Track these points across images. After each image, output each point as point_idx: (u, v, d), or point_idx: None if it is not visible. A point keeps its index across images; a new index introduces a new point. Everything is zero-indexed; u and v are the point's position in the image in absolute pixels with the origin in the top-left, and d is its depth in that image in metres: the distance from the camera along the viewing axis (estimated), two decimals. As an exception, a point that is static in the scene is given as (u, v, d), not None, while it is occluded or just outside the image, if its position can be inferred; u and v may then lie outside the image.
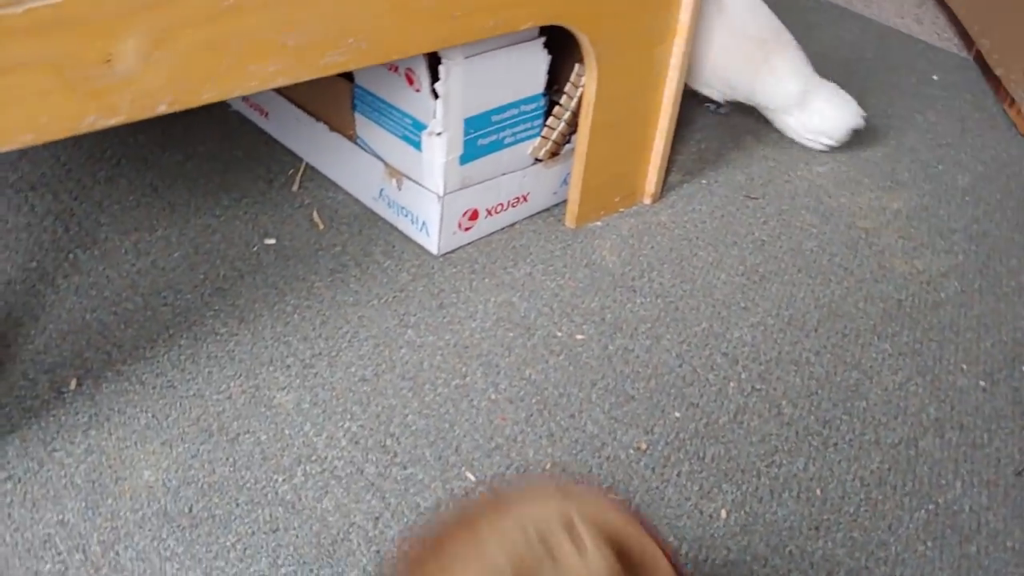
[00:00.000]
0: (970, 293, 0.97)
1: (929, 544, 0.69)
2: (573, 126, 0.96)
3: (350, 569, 0.63)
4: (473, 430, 0.74)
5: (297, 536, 0.64)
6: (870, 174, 1.17)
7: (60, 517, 0.64)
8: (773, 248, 1.01)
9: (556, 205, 1.03)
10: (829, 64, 1.38)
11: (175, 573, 0.61)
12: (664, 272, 0.95)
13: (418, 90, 0.85)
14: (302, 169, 1.05)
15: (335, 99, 0.95)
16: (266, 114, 1.08)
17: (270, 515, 0.65)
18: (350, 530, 0.65)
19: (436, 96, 0.83)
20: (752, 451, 0.75)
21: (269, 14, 0.63)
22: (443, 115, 0.84)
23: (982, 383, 0.85)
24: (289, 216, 0.97)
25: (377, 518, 0.66)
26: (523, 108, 0.92)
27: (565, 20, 0.83)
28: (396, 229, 0.96)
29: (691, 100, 1.31)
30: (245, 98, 1.11)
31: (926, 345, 0.89)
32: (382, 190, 0.96)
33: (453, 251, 0.94)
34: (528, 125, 0.94)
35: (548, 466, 0.72)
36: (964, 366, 0.87)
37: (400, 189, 0.93)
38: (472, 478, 0.70)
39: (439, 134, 0.85)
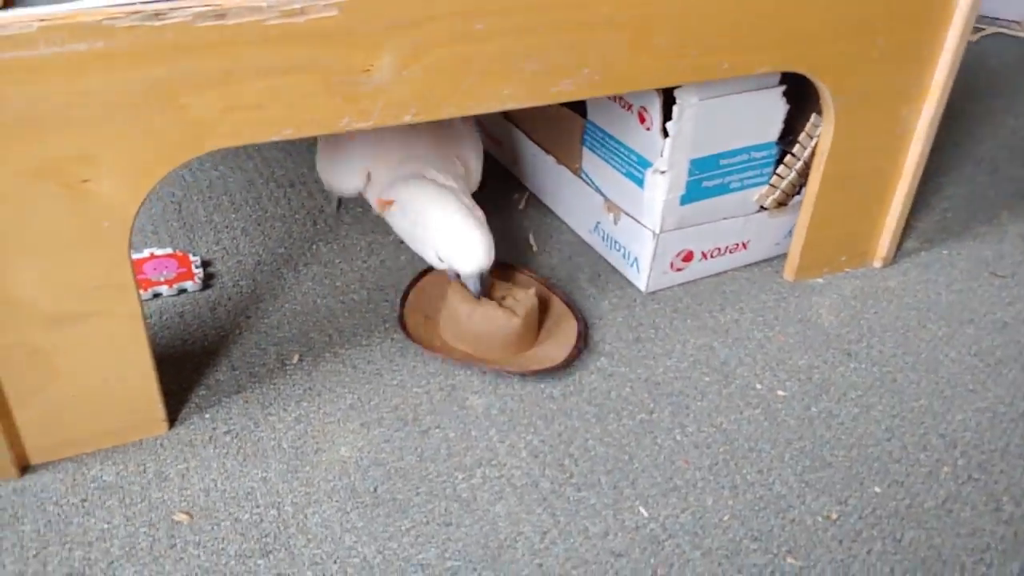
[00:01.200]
0: None
1: None
2: (804, 177, 0.93)
3: (509, 575, 0.64)
4: (653, 467, 0.73)
5: (467, 534, 0.66)
6: None
7: (264, 474, 0.70)
8: (1016, 332, 0.91)
9: (776, 257, 1.00)
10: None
11: (352, 544, 0.65)
12: (885, 340, 0.89)
13: (649, 128, 0.86)
14: (526, 197, 1.09)
15: (566, 133, 0.99)
16: (500, 143, 1.14)
17: (445, 509, 0.68)
18: (517, 539, 0.66)
19: (666, 135, 0.84)
20: (958, 543, 0.68)
21: (514, 40, 0.67)
22: (670, 154, 0.84)
23: None
24: (507, 236, 1.01)
25: (545, 533, 0.67)
26: (753, 155, 0.90)
27: (806, 68, 0.81)
28: (606, 262, 0.98)
29: (939, 161, 1.23)
30: (482, 126, 1.18)
31: None
32: (598, 223, 0.97)
33: (662, 290, 0.94)
34: (757, 172, 0.92)
35: (726, 518, 0.69)
36: None
37: (616, 224, 0.94)
38: (645, 514, 0.69)
39: (663, 172, 0.86)
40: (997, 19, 1.70)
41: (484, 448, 0.74)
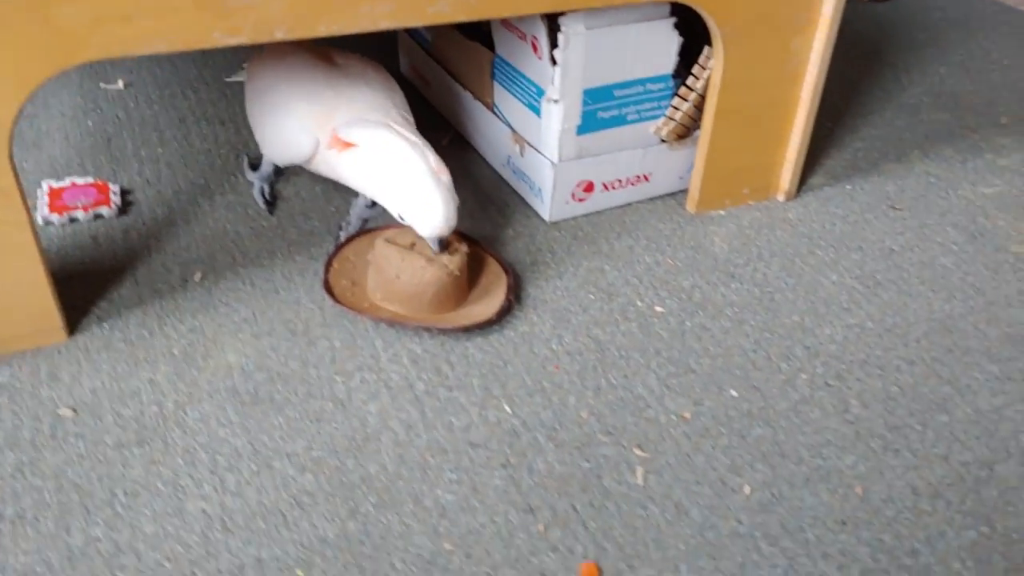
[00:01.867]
0: (1125, 334, 0.86)
1: (968, 564, 0.63)
2: (702, 110, 0.97)
3: (370, 463, 0.68)
4: (524, 372, 0.77)
5: (336, 429, 0.71)
6: (1047, 201, 1.06)
7: (152, 377, 0.75)
8: (900, 258, 0.95)
9: (681, 191, 1.03)
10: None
11: (224, 437, 0.69)
12: (772, 264, 0.93)
13: (540, 58, 0.89)
14: (451, 135, 1.13)
15: (478, 68, 1.02)
16: (428, 83, 1.18)
17: (320, 407, 0.73)
18: (383, 432, 0.71)
19: (554, 63, 0.87)
20: (801, 440, 0.72)
21: (379, -40, 0.70)
22: (561, 83, 0.88)
23: (1104, 425, 0.76)
24: (423, 170, 1.04)
25: (411, 427, 0.71)
26: (649, 87, 0.94)
27: (687, -2, 0.85)
28: (517, 195, 1.01)
29: (860, 105, 1.26)
30: (413, 67, 1.21)
31: (1048, 376, 0.81)
32: (509, 157, 1.01)
33: (565, 220, 0.97)
34: (654, 104, 0.95)
35: (584, 415, 0.74)
36: (1088, 404, 0.78)
37: (523, 156, 0.98)
38: (509, 411, 0.73)
39: (556, 101, 0.89)
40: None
41: (367, 356, 0.78)
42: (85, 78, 1.21)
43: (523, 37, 0.91)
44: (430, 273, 0.79)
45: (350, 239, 0.89)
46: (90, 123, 1.11)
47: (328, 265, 0.86)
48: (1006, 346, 0.84)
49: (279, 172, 1.00)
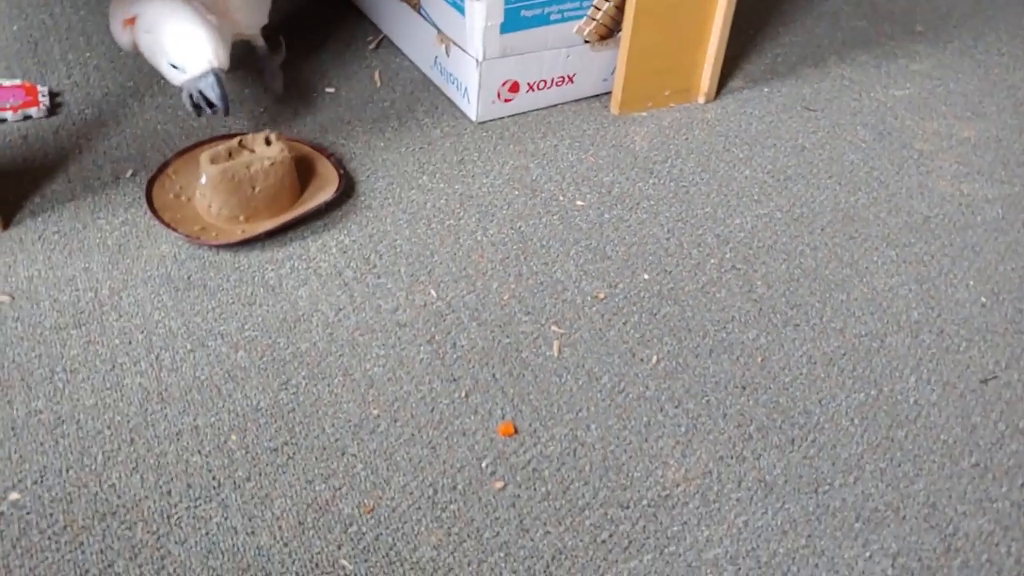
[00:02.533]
0: (1011, 220, 0.93)
1: (856, 421, 0.70)
2: (623, 12, 0.99)
3: (301, 341, 0.72)
4: (450, 260, 0.81)
5: (268, 311, 0.74)
6: (952, 103, 1.12)
7: (87, 265, 0.77)
8: (811, 155, 1.00)
9: (605, 94, 1.06)
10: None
11: (160, 319, 0.72)
12: (688, 161, 0.97)
13: (461, -47, 0.91)
14: (379, 39, 1.14)
15: (404, -33, 1.03)
16: None
17: (251, 292, 0.76)
18: (313, 314, 0.74)
19: (474, -41, 0.89)
20: (707, 316, 0.78)
21: None
22: (481, -23, 0.90)
23: (983, 299, 0.83)
24: (354, 73, 1.06)
25: (340, 309, 0.75)
26: (570, -14, 0.96)
27: None
28: (445, 96, 1.04)
29: (782, 13, 1.29)
30: None
31: (937, 259, 0.87)
32: (436, 58, 1.03)
33: (492, 120, 1.00)
34: (577, 5, 0.97)
35: (506, 298, 0.78)
36: (971, 283, 0.85)
37: (448, 56, 1.00)
38: (434, 295, 0.77)
39: (478, -1, 0.91)
40: None
41: (296, 246, 0.81)
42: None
43: (447, -64, 0.93)
44: (279, 161, 0.80)
45: (176, 155, 0.88)
46: (15, 28, 1.10)
47: (151, 182, 0.84)
48: (904, 233, 0.90)
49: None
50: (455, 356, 0.72)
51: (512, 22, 0.94)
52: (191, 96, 0.82)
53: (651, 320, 0.77)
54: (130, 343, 0.70)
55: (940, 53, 1.22)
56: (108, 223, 0.81)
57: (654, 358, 0.74)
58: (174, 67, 0.81)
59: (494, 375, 0.71)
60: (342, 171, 0.88)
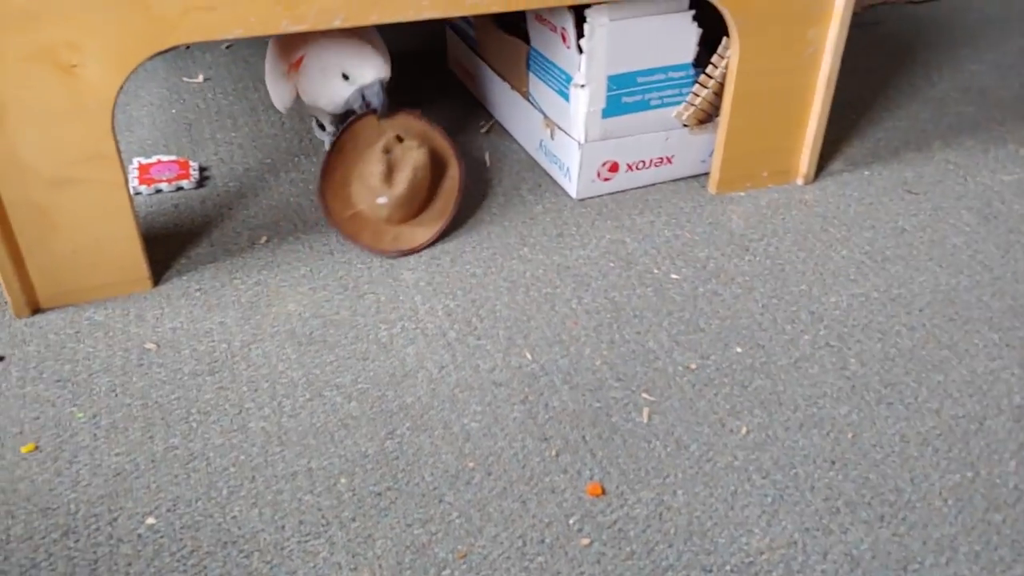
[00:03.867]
0: (1122, 307, 0.91)
1: (950, 502, 0.70)
2: (721, 97, 1.04)
3: (407, 395, 0.78)
4: (545, 325, 0.86)
5: (379, 367, 0.81)
6: (1063, 188, 1.11)
7: (222, 320, 0.86)
8: (911, 237, 1.01)
9: (704, 175, 1.11)
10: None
11: (283, 370, 0.80)
12: (784, 239, 1.00)
13: (569, 47, 0.98)
14: (491, 124, 1.22)
15: (515, 59, 1.12)
16: (471, 76, 1.27)
17: (365, 349, 0.83)
18: (419, 371, 0.80)
19: (581, 51, 0.96)
20: (799, 392, 0.80)
21: (425, -43, 0.80)
22: (586, 69, 0.97)
23: (1089, 386, 0.81)
24: (467, 154, 1.14)
25: (443, 367, 0.81)
26: (671, 75, 1.02)
27: (704, -10, 0.93)
28: (548, 176, 1.10)
29: (887, 98, 1.31)
30: (458, 62, 1.31)
31: (1041, 343, 0.86)
32: (542, 141, 1.10)
33: (591, 198, 1.06)
34: (676, 91, 1.03)
35: (598, 363, 0.82)
36: (1075, 368, 0.83)
37: (553, 138, 1.07)
38: (529, 357, 0.82)
39: (582, 86, 0.98)
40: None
41: (407, 308, 0.88)
42: (170, 73, 1.34)
43: (554, 29, 1.01)
44: (425, 164, 0.94)
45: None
46: (174, 111, 1.24)
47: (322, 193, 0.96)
48: (1008, 317, 0.89)
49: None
50: (547, 416, 0.76)
51: (613, 107, 1.01)
52: (358, 102, 0.96)
53: (742, 392, 0.79)
54: (256, 390, 0.78)
55: (1052, 139, 1.21)
56: (243, 282, 0.90)
57: (743, 429, 0.76)
58: (346, 78, 0.94)
59: (584, 437, 0.74)
60: (457, 152, 0.99)
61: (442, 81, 1.32)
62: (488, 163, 1.13)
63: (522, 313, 0.88)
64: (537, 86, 1.08)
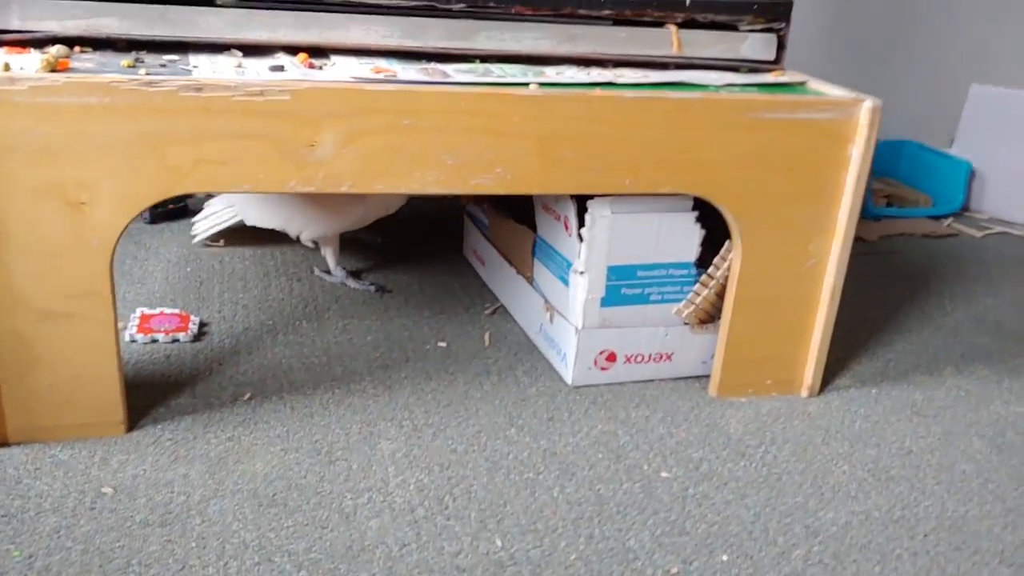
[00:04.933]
0: None
1: None
2: (723, 299, 1.04)
3: (361, 571, 0.72)
4: (523, 512, 0.81)
5: (337, 537, 0.76)
6: (1080, 425, 1.06)
7: (186, 472, 0.82)
8: (917, 459, 0.96)
9: (706, 377, 1.08)
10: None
11: (236, 529, 0.75)
12: (783, 449, 0.96)
13: (570, 234, 1.00)
14: (496, 307, 1.23)
15: (522, 246, 1.14)
16: (483, 263, 1.30)
17: (326, 517, 0.78)
18: (378, 546, 0.75)
19: (581, 239, 0.98)
20: (784, 609, 0.73)
21: (435, 136, 0.84)
22: (586, 257, 0.98)
23: (1111, 638, 0.73)
24: (467, 333, 1.14)
25: (404, 545, 0.76)
26: (672, 272, 1.03)
27: (706, 193, 0.95)
28: (546, 360, 1.09)
29: (898, 322, 1.31)
30: (473, 250, 1.34)
31: (1057, 585, 0.79)
32: (542, 325, 1.10)
33: (588, 386, 1.04)
34: (677, 288, 1.04)
35: (572, 558, 0.76)
36: (1095, 615, 0.76)
37: (552, 322, 1.06)
38: (499, 544, 0.77)
39: (582, 273, 0.99)
40: (1007, 221, 1.80)
41: (379, 479, 0.84)
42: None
43: (558, 218, 1.03)
44: None
45: None
46: (188, 269, 1.27)
47: None
48: (1022, 552, 0.83)
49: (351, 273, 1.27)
50: (509, 609, 0.70)
51: (612, 297, 1.01)
52: None
53: (722, 603, 0.73)
54: (204, 548, 0.73)
55: (1068, 374, 1.18)
56: (216, 436, 0.88)
57: (719, 643, 0.69)
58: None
59: (545, 635, 0.68)
60: None
61: (457, 267, 1.35)
62: (487, 343, 1.12)
63: (499, 496, 0.83)
64: (541, 272, 1.10)
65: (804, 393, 1.08)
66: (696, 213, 1.00)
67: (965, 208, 1.87)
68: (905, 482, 0.92)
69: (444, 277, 1.31)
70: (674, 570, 0.76)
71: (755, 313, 1.02)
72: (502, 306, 1.23)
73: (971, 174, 1.86)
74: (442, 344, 1.11)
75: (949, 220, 1.79)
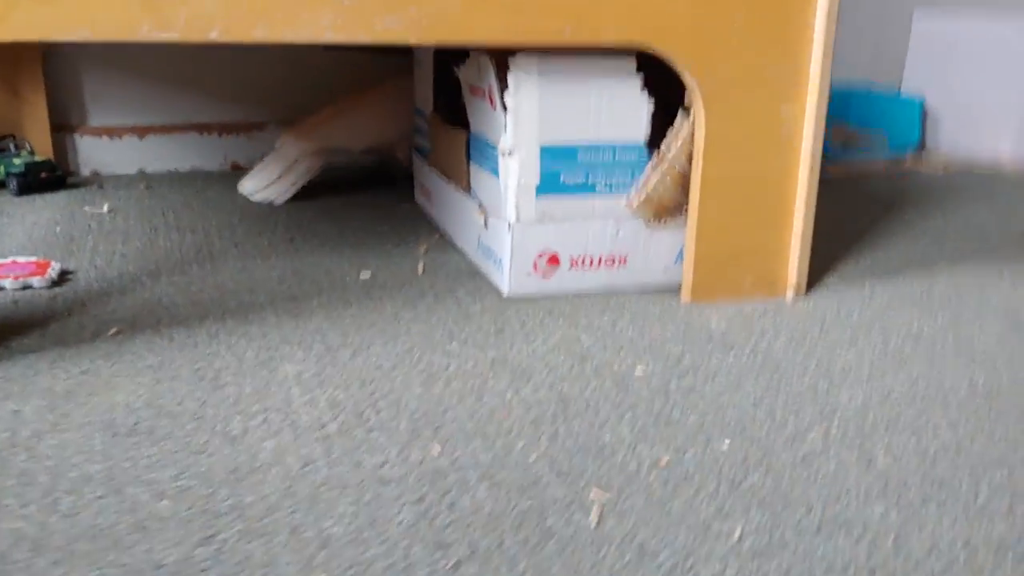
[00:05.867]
0: None
1: (1064, 630, 0.45)
2: (685, 189, 0.88)
3: (248, 494, 0.53)
4: (467, 417, 0.63)
5: (217, 461, 0.57)
6: (1102, 299, 0.93)
7: (17, 408, 0.63)
8: (930, 340, 0.81)
9: (672, 290, 0.92)
10: None
11: (78, 463, 0.56)
12: (778, 340, 0.80)
13: (494, 107, 0.84)
14: (436, 238, 1.06)
15: (457, 153, 0.97)
16: (430, 195, 1.12)
17: (205, 442, 0.59)
18: (273, 466, 0.56)
19: (506, 110, 0.82)
20: (812, 491, 0.56)
21: (324, -35, 0.67)
22: (513, 130, 0.81)
23: None
24: (398, 264, 0.97)
25: (309, 463, 0.57)
26: (620, 155, 0.87)
27: (660, 44, 0.80)
28: (488, 280, 0.92)
29: (883, 228, 1.17)
30: (421, 188, 1.16)
31: None
32: (480, 238, 0.93)
33: (534, 298, 0.87)
34: (627, 176, 0.87)
35: (533, 459, 0.58)
36: None
37: (487, 228, 0.89)
38: (438, 450, 0.59)
39: (510, 153, 0.82)
40: (967, 158, 1.70)
41: (280, 401, 0.65)
42: (73, 204, 1.19)
43: (483, 94, 0.87)
44: None
45: None
46: (58, 229, 1.07)
47: None
48: (1075, 416, 0.68)
49: None
50: (449, 519, 0.52)
51: (549, 185, 0.84)
52: None
53: (732, 490, 0.56)
54: (27, 484, 0.53)
55: (1074, 258, 1.05)
56: (65, 372, 0.68)
57: (737, 532, 0.51)
58: None
59: (501, 543, 0.50)
60: None
61: (401, 212, 1.18)
62: (421, 271, 0.94)
63: (437, 405, 0.65)
64: (476, 175, 0.93)
65: (790, 294, 0.92)
66: (642, 77, 0.85)
67: (922, 147, 1.76)
68: (923, 361, 0.76)
69: (383, 222, 1.13)
70: (664, 461, 0.59)
71: (726, 197, 0.87)
72: (447, 241, 1.05)
73: (924, 111, 1.76)
74: (366, 275, 0.93)
75: (908, 160, 1.68)
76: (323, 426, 0.62)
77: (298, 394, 0.66)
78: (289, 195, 1.19)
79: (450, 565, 0.48)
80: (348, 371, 0.70)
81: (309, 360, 0.72)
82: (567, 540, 0.50)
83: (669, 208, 0.90)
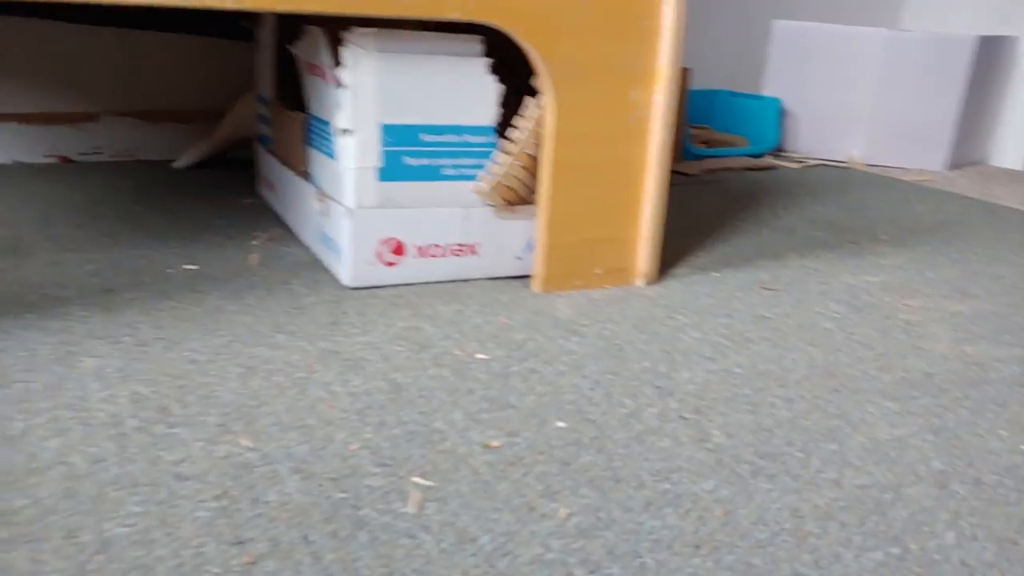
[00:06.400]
0: (1039, 374, 0.72)
1: (882, 592, 0.44)
2: (536, 175, 0.86)
3: (19, 498, 0.47)
4: (284, 410, 0.59)
5: (-11, 463, 0.50)
6: (935, 286, 0.96)
7: None
8: (774, 323, 0.81)
9: (525, 277, 0.89)
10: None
11: None
12: (623, 325, 0.78)
13: (329, 82, 0.79)
14: (277, 232, 1.00)
15: (295, 137, 0.92)
16: (273, 185, 1.05)
17: (-23, 442, 0.52)
18: (55, 466, 0.50)
19: (340, 85, 0.77)
20: (643, 467, 0.54)
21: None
22: (351, 109, 0.77)
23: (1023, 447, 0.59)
24: (230, 257, 0.90)
25: (97, 462, 0.51)
26: (468, 138, 0.84)
27: (505, 23, 0.77)
28: (330, 273, 0.87)
29: (735, 226, 1.19)
30: (264, 180, 1.10)
31: (953, 411, 0.65)
32: (320, 226, 0.88)
33: (378, 288, 0.82)
34: (476, 161, 0.85)
35: (354, 448, 0.54)
36: (1002, 432, 0.62)
37: (326, 215, 0.85)
38: (247, 445, 0.54)
39: (347, 131, 0.78)
40: (821, 158, 1.76)
41: (72, 397, 0.59)
42: None
43: (320, 72, 0.82)
44: None
45: None
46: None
47: None
48: (903, 388, 0.69)
49: None
50: (251, 514, 0.47)
51: (393, 168, 0.80)
52: None
53: (562, 470, 0.53)
54: None
55: (911, 252, 1.09)
56: None
57: (562, 512, 0.48)
58: None
59: (305, 536, 0.45)
60: None
61: (237, 206, 1.11)
62: (256, 263, 0.89)
63: (252, 397, 0.60)
64: (315, 160, 0.88)
65: (640, 282, 0.91)
66: (488, 59, 0.82)
67: (780, 148, 1.82)
68: (764, 342, 0.76)
69: (221, 216, 1.06)
70: (495, 443, 0.56)
71: (576, 183, 0.85)
72: (290, 234, 0.99)
73: (782, 112, 1.82)
74: (191, 267, 0.86)
75: (767, 157, 1.73)
76: (119, 423, 0.56)
77: (96, 389, 0.60)
78: (193, 160, 1.26)
79: (247, 562, 0.43)
80: (158, 365, 0.64)
81: (114, 354, 0.65)
82: (381, 529, 0.46)
83: (520, 195, 0.87)
